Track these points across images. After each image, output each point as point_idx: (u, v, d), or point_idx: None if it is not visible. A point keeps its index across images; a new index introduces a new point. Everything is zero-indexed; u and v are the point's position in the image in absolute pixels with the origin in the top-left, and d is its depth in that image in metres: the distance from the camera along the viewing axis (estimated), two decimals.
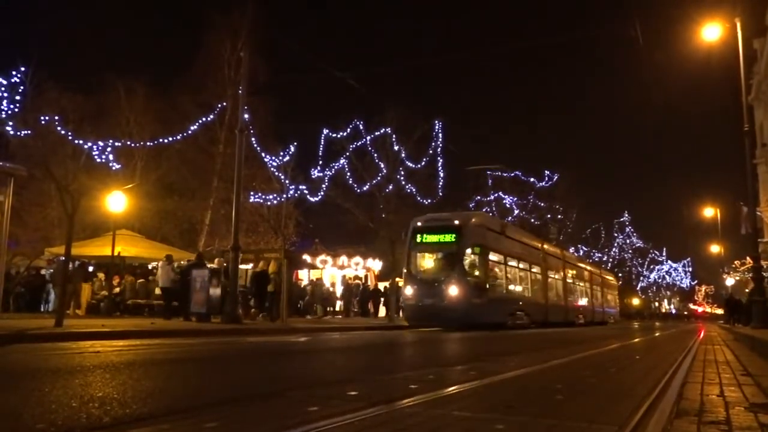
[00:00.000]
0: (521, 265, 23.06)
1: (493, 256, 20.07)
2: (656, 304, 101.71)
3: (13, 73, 22.33)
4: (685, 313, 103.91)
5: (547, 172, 47.31)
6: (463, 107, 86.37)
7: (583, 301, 33.33)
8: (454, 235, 18.54)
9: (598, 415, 3.04)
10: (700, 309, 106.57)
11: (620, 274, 75.22)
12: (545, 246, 27.76)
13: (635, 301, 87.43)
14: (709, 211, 43.89)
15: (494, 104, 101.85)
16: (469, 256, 18.78)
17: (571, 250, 54.74)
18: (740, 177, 19.63)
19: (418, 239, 19.15)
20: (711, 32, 16.28)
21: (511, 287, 21.83)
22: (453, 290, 17.61)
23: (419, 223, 19.62)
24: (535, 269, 24.95)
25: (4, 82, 21.38)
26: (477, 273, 18.81)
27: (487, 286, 19.05)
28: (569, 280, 30.37)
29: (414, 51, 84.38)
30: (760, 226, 19.49)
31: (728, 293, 39.77)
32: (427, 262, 19.44)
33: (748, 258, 27.35)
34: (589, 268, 37.65)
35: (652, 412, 3.14)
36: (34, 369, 5.10)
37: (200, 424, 2.64)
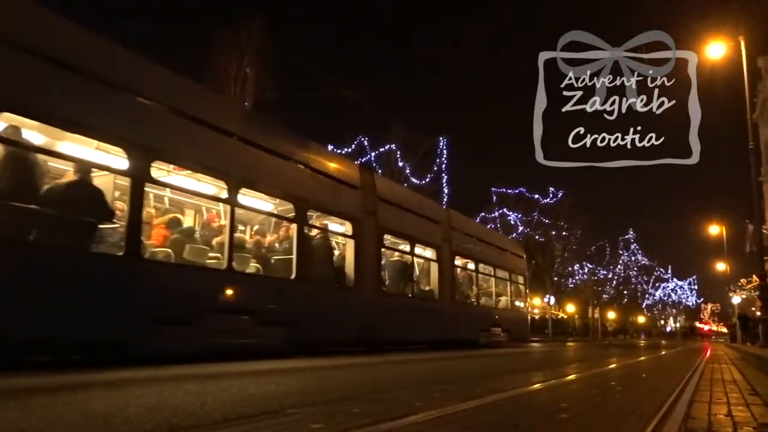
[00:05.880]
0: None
1: None
2: (662, 321, 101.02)
3: None
4: (692, 329, 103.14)
5: (551, 189, 47.37)
6: (469, 123, 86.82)
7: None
8: None
9: None
10: (706, 327, 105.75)
11: (626, 292, 74.83)
12: None
13: (641, 319, 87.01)
14: (714, 229, 43.69)
15: (499, 121, 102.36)
16: None
17: (576, 267, 53.68)
18: (746, 194, 19.61)
19: None
20: (715, 50, 16.32)
21: None
22: None
23: None
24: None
25: None
26: None
27: None
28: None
29: (420, 68, 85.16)
30: (767, 244, 19.32)
31: (742, 310, 39.32)
32: None
33: (754, 276, 27.17)
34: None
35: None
36: None
37: None
